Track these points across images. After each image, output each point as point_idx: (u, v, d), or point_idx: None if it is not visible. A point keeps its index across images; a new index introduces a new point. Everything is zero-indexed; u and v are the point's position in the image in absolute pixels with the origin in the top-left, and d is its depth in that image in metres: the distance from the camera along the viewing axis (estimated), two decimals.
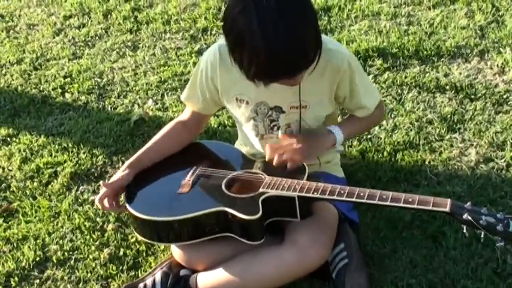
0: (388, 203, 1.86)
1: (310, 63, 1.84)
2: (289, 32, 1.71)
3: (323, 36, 1.89)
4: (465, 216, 1.76)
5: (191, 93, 2.28)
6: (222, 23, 1.84)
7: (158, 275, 2.19)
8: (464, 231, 1.79)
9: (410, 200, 1.84)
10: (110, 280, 2.31)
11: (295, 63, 1.80)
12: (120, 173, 2.21)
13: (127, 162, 2.25)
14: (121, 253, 2.39)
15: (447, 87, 2.95)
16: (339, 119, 2.50)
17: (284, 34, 1.71)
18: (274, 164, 2.07)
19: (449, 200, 1.81)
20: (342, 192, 1.92)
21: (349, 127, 2.18)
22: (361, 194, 1.90)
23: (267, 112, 2.16)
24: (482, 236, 1.76)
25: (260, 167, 2.18)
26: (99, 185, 2.70)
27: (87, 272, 2.35)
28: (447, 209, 1.79)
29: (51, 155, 2.95)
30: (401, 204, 1.85)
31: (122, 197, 2.24)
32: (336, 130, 2.12)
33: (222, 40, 1.99)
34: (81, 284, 2.32)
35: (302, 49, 1.77)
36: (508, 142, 2.60)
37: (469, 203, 1.79)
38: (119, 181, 2.19)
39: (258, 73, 1.79)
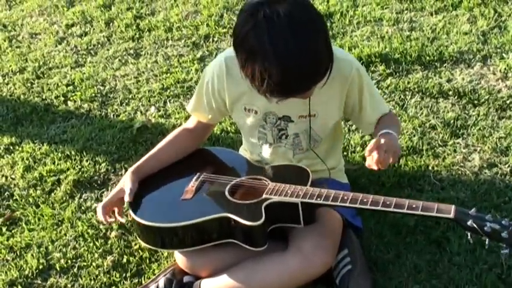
0: (391, 209, 1.85)
1: (322, 78, 1.84)
2: (301, 49, 1.72)
3: None
4: (469, 222, 1.75)
5: (197, 105, 2.28)
6: (232, 39, 1.84)
7: (162, 282, 2.19)
8: (469, 237, 1.78)
9: (414, 206, 1.83)
10: (113, 287, 2.30)
11: (308, 79, 1.80)
12: (127, 183, 2.20)
13: (130, 170, 2.25)
14: (124, 260, 2.38)
15: (450, 92, 2.95)
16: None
17: (296, 52, 1.71)
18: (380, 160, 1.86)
19: (453, 206, 1.80)
20: (345, 198, 1.92)
21: (392, 128, 2.03)
22: (365, 200, 1.89)
23: (275, 122, 2.16)
24: (487, 242, 1.75)
25: (264, 173, 2.18)
26: (103, 192, 2.72)
27: (90, 280, 2.34)
28: (451, 216, 1.78)
29: (54, 163, 2.95)
30: (405, 211, 1.84)
31: (125, 204, 2.24)
32: (388, 129, 1.98)
33: (227, 51, 1.99)
34: None
35: (314, 65, 1.77)
36: None
37: (473, 210, 1.78)
38: (131, 193, 2.18)
39: (270, 90, 1.79)
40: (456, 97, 2.92)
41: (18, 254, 2.50)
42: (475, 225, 1.74)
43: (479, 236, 1.76)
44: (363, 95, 2.09)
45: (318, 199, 1.94)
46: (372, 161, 1.87)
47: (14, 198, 2.79)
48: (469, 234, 1.78)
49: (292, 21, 1.71)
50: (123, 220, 2.28)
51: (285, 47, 1.71)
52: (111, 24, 4.12)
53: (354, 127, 2.82)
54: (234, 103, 2.17)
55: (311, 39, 1.74)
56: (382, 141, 1.88)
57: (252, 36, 1.74)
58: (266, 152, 2.26)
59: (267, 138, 2.22)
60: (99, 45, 3.92)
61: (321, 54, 1.78)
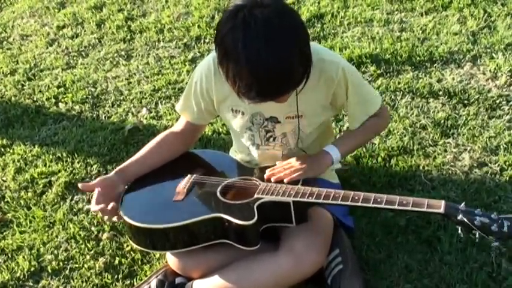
0: (382, 206, 1.86)
1: (295, 86, 1.85)
2: (272, 58, 1.72)
3: (317, 46, 1.89)
4: (459, 217, 1.76)
5: (186, 105, 2.28)
6: (214, 36, 1.86)
7: (153, 283, 2.19)
8: (459, 232, 1.79)
9: (404, 202, 1.85)
10: None
11: (278, 87, 1.81)
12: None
13: (117, 169, 2.25)
14: (116, 262, 2.38)
15: (440, 92, 2.96)
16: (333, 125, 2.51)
17: (267, 60, 1.72)
18: (272, 181, 2.07)
19: (443, 201, 1.82)
20: (337, 196, 1.92)
21: (345, 144, 2.18)
22: (356, 198, 1.90)
23: (262, 123, 2.16)
24: (477, 236, 1.76)
25: (255, 173, 2.18)
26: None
27: (82, 282, 2.34)
28: (441, 210, 1.79)
29: (45, 165, 2.95)
30: (395, 207, 1.85)
31: (118, 206, 2.24)
32: (332, 149, 2.12)
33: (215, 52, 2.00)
34: None
35: (286, 75, 1.78)
36: (502, 147, 2.61)
37: (463, 204, 1.80)
38: (107, 178, 2.18)
39: (241, 92, 1.81)
40: (446, 97, 2.93)
41: (9, 256, 2.50)
42: (465, 219, 1.75)
43: (469, 231, 1.77)
44: (349, 95, 2.10)
45: (310, 198, 1.95)
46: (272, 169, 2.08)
47: (5, 200, 2.78)
48: (459, 229, 1.79)
49: (269, 28, 1.72)
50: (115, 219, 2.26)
51: (256, 54, 1.72)
52: (102, 25, 4.12)
53: (344, 127, 2.83)
54: (221, 103, 2.18)
55: (284, 49, 1.74)
56: (296, 162, 2.08)
57: (229, 38, 1.75)
58: (254, 153, 2.27)
59: (254, 140, 2.22)
60: (91, 47, 3.91)
61: (294, 64, 1.78)
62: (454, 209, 1.79)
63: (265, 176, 2.10)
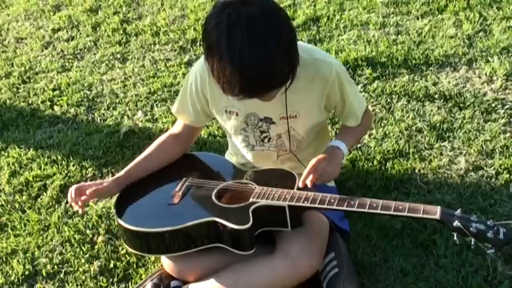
0: (378, 211, 1.86)
1: (279, 85, 1.85)
2: (255, 57, 1.72)
3: (310, 46, 1.89)
4: (455, 223, 1.76)
5: (182, 106, 2.28)
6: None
7: (149, 287, 2.18)
8: (455, 238, 1.79)
9: (400, 207, 1.84)
10: None
11: (260, 86, 1.80)
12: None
13: (115, 177, 2.25)
14: (111, 265, 2.38)
15: (436, 95, 2.97)
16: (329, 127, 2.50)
17: (249, 59, 1.71)
18: (309, 183, 2.00)
19: (439, 207, 1.81)
20: (332, 201, 1.92)
21: (349, 139, 2.17)
22: (352, 203, 1.90)
23: (257, 123, 2.16)
24: (472, 242, 1.76)
25: (250, 177, 2.18)
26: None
27: (77, 285, 2.33)
28: (437, 217, 1.79)
29: (40, 168, 2.94)
30: (391, 212, 1.85)
31: (113, 210, 2.23)
32: (341, 145, 2.10)
33: None
34: None
35: (268, 74, 1.77)
36: (497, 150, 2.61)
37: (459, 211, 1.80)
38: (101, 190, 2.20)
39: (225, 88, 1.80)
40: (442, 100, 2.94)
41: (4, 259, 2.49)
42: (460, 226, 1.75)
43: (465, 237, 1.77)
44: (344, 92, 2.10)
45: (305, 202, 1.94)
46: (306, 179, 1.99)
47: (0, 203, 2.77)
48: (455, 235, 1.79)
49: (253, 26, 1.71)
50: (80, 210, 2.24)
51: (239, 52, 1.71)
52: (97, 28, 4.11)
53: None
54: (215, 104, 2.17)
55: (268, 48, 1.73)
56: (320, 166, 2.01)
57: (213, 34, 1.75)
58: (249, 154, 2.26)
59: (249, 141, 2.22)
60: (86, 50, 3.91)
61: (277, 63, 1.77)
62: (449, 215, 1.79)
63: (300, 185, 2.02)
